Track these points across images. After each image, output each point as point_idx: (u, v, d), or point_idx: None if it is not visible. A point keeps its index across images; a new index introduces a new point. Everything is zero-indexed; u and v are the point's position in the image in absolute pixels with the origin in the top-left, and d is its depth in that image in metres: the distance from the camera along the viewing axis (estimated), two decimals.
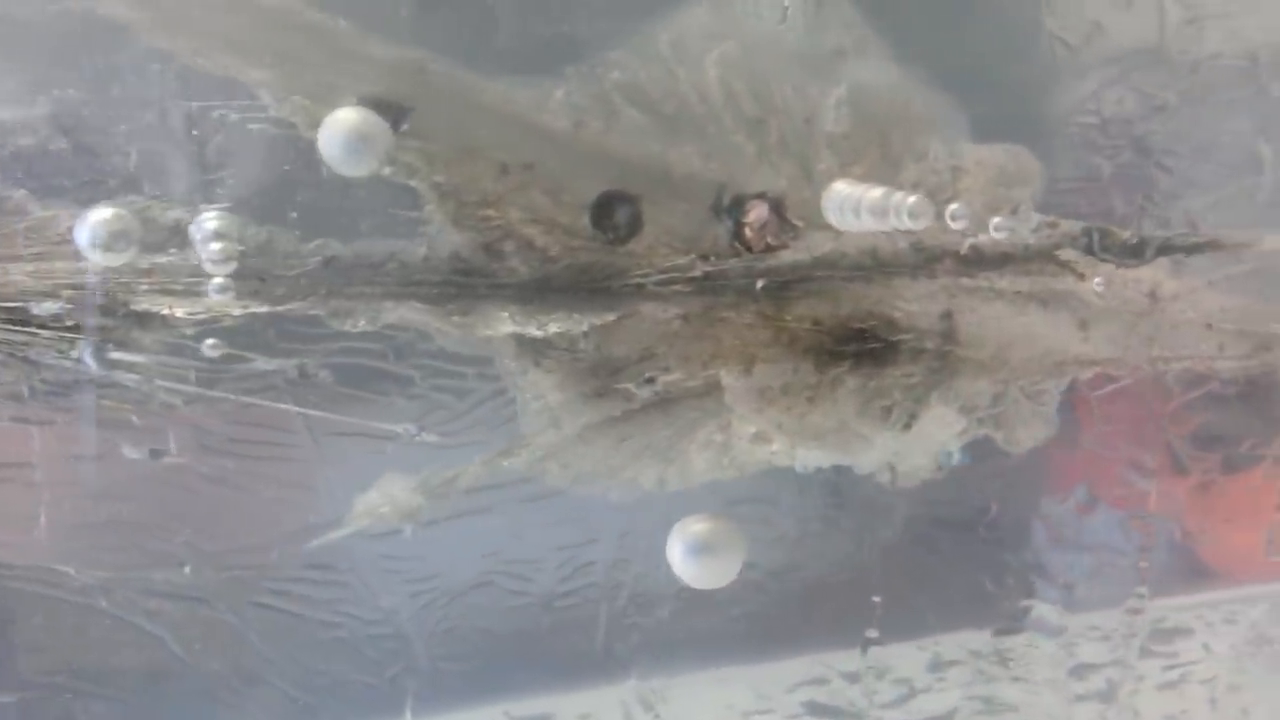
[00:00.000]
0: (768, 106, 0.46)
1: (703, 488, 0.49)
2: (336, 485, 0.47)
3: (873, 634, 0.52)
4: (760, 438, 0.48)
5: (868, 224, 0.42)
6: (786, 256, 0.46)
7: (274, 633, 0.48)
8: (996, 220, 0.46)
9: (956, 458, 0.51)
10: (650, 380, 0.45)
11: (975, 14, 0.50)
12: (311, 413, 0.45)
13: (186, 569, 0.46)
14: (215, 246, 0.42)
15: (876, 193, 0.42)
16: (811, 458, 0.49)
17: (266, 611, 0.48)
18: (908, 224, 0.40)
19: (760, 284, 0.46)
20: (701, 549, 0.41)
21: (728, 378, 0.45)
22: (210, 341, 0.44)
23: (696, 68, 0.45)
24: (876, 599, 0.51)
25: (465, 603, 0.49)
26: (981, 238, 0.48)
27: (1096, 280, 0.49)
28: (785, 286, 0.46)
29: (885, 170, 0.48)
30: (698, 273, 0.45)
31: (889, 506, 0.52)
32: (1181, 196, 0.52)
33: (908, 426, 0.49)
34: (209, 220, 0.42)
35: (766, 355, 0.46)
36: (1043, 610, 0.51)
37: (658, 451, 0.48)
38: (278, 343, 0.45)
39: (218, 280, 0.43)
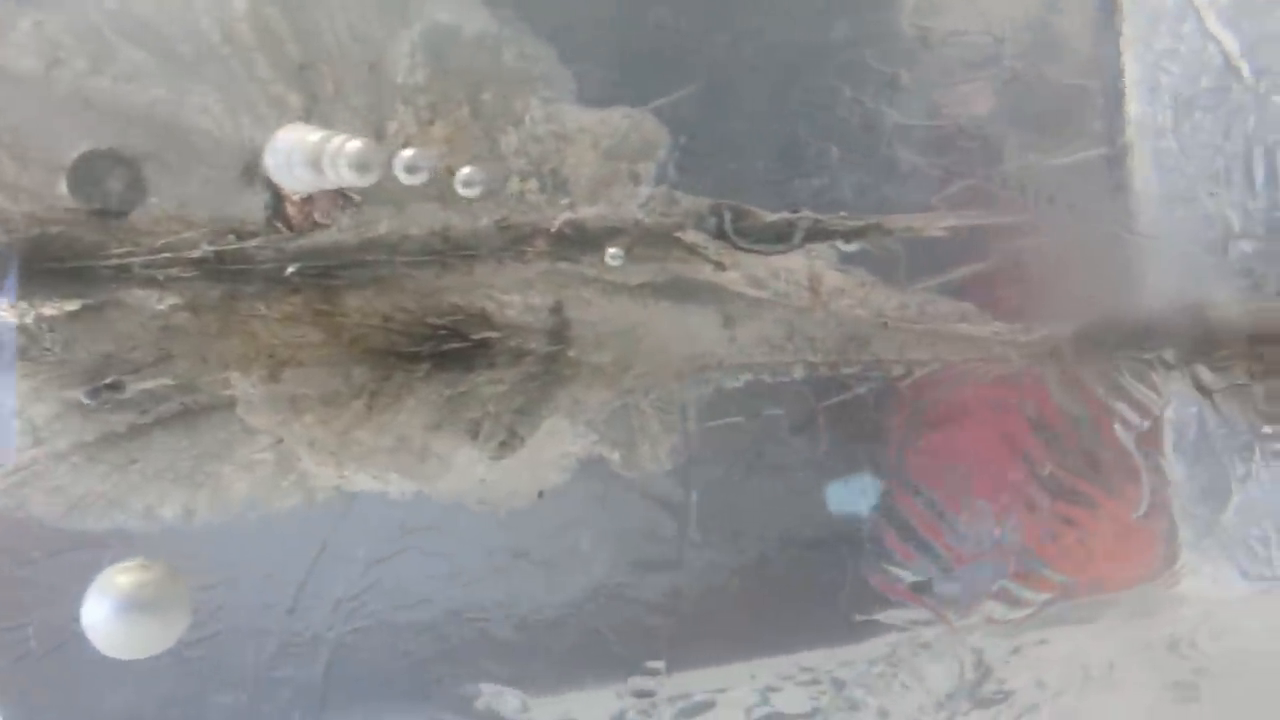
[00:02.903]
0: (317, 49, 0.38)
1: (377, 514, 0.41)
2: None
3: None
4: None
5: (307, 180, 0.33)
6: (326, 237, 0.37)
7: None
8: (463, 173, 0.37)
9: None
10: (112, 386, 0.35)
11: None
12: None
13: None
14: None
15: (313, 138, 0.33)
16: (407, 482, 0.41)
17: None
18: (350, 179, 0.32)
19: (290, 270, 0.37)
20: (135, 607, 0.31)
21: (243, 383, 0.36)
22: None
23: None
24: None
25: (59, 655, 0.40)
26: (583, 213, 0.39)
27: (610, 251, 0.40)
28: (328, 274, 0.38)
29: (478, 133, 0.40)
30: (199, 253, 0.36)
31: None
32: (913, 182, 0.47)
33: (506, 444, 0.40)
34: None
35: (311, 357, 0.37)
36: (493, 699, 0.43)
37: (180, 475, 0.38)
38: None
39: None
